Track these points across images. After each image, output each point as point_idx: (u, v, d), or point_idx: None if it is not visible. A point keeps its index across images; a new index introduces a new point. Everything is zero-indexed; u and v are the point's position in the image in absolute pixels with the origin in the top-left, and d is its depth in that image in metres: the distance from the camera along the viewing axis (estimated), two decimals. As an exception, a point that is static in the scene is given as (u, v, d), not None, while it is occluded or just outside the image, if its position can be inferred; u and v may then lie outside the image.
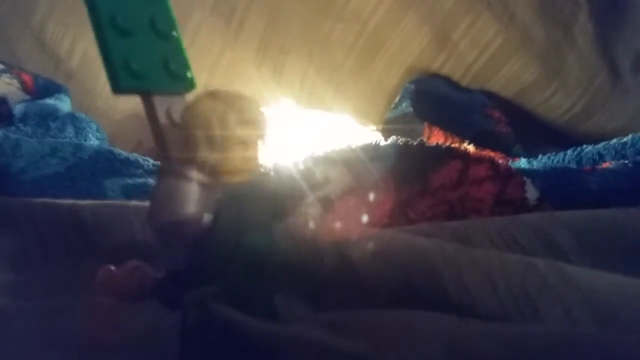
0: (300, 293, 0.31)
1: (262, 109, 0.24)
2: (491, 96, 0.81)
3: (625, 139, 0.52)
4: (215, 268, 0.23)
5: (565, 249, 0.33)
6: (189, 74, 0.26)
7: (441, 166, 0.42)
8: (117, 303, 0.25)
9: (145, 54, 0.24)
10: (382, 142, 0.45)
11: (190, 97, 0.26)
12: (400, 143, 0.44)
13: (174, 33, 0.26)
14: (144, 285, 0.25)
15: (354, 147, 0.44)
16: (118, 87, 0.24)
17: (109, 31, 0.23)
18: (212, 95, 0.24)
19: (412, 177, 0.42)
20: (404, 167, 0.43)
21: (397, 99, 0.82)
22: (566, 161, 0.54)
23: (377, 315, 0.28)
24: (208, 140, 0.23)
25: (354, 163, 0.43)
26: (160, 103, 0.25)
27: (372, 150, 0.44)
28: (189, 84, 0.26)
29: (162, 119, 0.25)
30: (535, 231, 0.35)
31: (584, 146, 0.55)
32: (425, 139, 0.57)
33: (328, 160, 0.43)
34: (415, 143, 0.44)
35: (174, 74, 0.25)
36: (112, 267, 0.25)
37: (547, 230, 0.35)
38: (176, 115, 0.25)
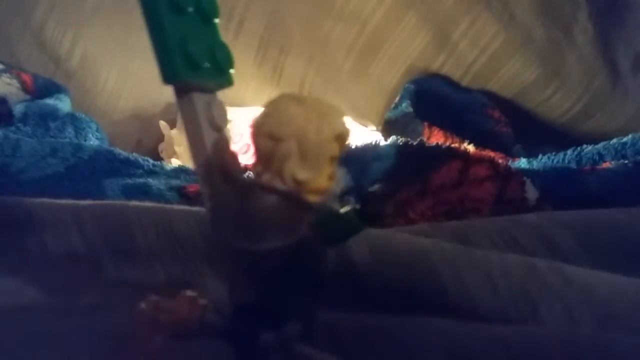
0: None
1: (344, 118, 0.21)
2: (491, 96, 0.81)
3: (625, 139, 0.52)
4: (302, 301, 0.21)
5: (565, 249, 0.33)
6: (231, 68, 0.23)
7: (441, 166, 0.42)
8: (168, 343, 0.21)
9: (197, 38, 0.21)
10: (382, 142, 0.45)
11: (222, 95, 0.23)
12: (400, 143, 0.44)
13: (216, 20, 0.22)
14: (206, 321, 0.21)
15: (354, 147, 0.44)
16: (174, 75, 0.20)
17: (163, 6, 0.20)
18: (299, 101, 0.21)
19: (413, 177, 0.42)
20: (404, 167, 0.43)
21: (397, 99, 0.81)
22: (566, 161, 0.54)
23: (378, 320, 0.28)
24: (302, 152, 0.20)
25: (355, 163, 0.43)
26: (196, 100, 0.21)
27: (373, 150, 0.44)
28: (229, 80, 0.23)
29: (203, 120, 0.21)
30: (535, 231, 0.35)
31: (584, 146, 0.55)
32: (425, 139, 0.57)
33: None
34: (415, 143, 0.44)
35: (219, 66, 0.22)
36: (157, 298, 0.21)
37: (547, 230, 0.35)
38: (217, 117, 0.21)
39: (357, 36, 0.82)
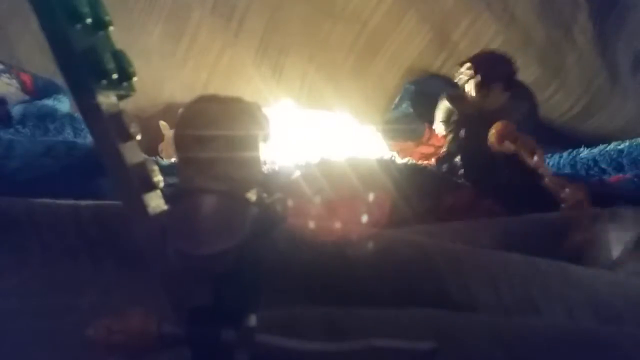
0: (300, 291, 0.31)
1: (264, 111, 0.21)
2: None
3: (622, 146, 0.52)
4: (256, 294, 0.21)
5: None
6: (134, 76, 0.22)
7: (456, 190, 0.43)
8: None
9: (101, 49, 0.20)
10: (397, 159, 0.45)
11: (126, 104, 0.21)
12: (412, 165, 0.45)
13: (111, 28, 0.21)
14: (163, 333, 0.20)
15: (371, 158, 0.44)
16: (86, 89, 0.20)
17: (64, 19, 0.19)
18: (218, 101, 0.21)
19: (423, 195, 0.43)
20: (416, 184, 0.43)
21: (397, 99, 0.81)
22: (561, 164, 0.54)
23: (374, 311, 0.28)
24: (231, 151, 0.20)
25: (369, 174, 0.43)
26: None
27: (386, 165, 0.44)
28: (133, 88, 0.22)
29: (114, 131, 0.20)
30: (540, 234, 0.35)
31: (580, 149, 0.54)
32: (426, 140, 0.57)
33: (336, 167, 0.43)
34: (429, 169, 0.45)
35: (123, 75, 0.21)
36: (108, 321, 0.21)
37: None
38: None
39: (357, 36, 0.82)
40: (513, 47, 0.79)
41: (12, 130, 0.60)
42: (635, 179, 0.43)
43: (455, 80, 0.54)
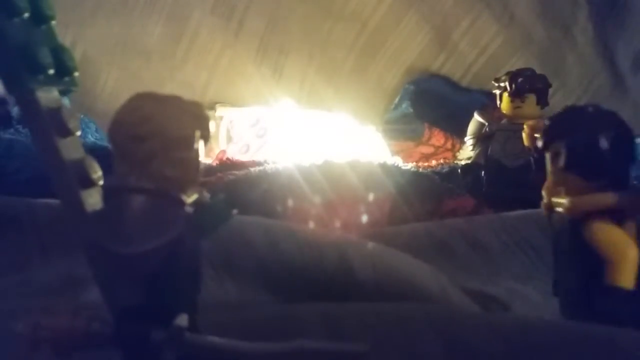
0: (302, 290, 0.31)
1: (204, 111, 0.21)
2: (491, 96, 0.81)
3: None
4: (186, 293, 0.21)
5: None
6: (75, 71, 0.21)
7: (457, 196, 0.43)
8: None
9: (38, 43, 0.20)
10: (402, 165, 0.45)
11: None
12: (416, 170, 0.45)
13: (53, 22, 0.21)
14: (91, 331, 0.20)
15: (373, 161, 0.44)
16: (19, 84, 0.19)
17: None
18: (156, 98, 0.21)
19: (424, 199, 0.43)
20: (418, 189, 0.43)
21: (397, 99, 0.81)
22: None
23: (374, 307, 0.28)
24: (166, 149, 0.20)
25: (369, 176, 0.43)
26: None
27: (390, 170, 0.44)
28: (74, 83, 0.22)
29: (52, 126, 0.20)
30: (544, 229, 0.35)
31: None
32: (426, 139, 0.57)
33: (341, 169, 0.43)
34: (433, 176, 0.45)
35: (63, 70, 0.21)
36: (36, 317, 0.20)
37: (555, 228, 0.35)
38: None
39: (357, 36, 0.82)
40: (513, 47, 0.79)
41: (12, 130, 0.60)
42: (635, 182, 0.43)
43: (493, 91, 0.54)
